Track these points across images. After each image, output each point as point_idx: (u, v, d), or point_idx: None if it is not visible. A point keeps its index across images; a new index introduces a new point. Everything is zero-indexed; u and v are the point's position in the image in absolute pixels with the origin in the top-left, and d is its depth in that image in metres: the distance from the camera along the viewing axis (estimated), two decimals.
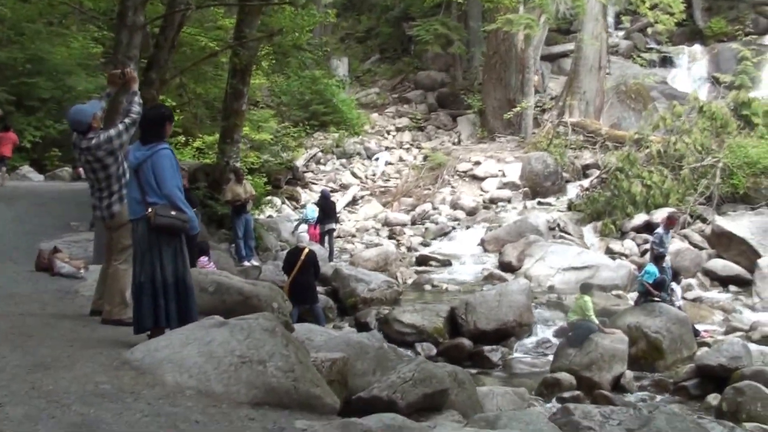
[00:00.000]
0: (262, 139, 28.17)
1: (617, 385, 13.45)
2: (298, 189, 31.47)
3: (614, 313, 15.87)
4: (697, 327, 15.80)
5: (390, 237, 26.27)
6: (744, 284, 19.88)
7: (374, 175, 34.01)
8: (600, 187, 25.27)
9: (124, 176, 8.20)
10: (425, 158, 34.07)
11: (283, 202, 29.49)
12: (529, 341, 15.64)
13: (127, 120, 8.14)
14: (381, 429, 5.43)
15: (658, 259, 16.21)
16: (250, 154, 26.10)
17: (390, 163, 34.87)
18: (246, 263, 18.06)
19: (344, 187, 32.28)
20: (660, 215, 22.21)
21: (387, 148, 36.37)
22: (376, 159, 35.21)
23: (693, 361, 14.11)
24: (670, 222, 17.67)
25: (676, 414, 6.68)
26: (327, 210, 22.40)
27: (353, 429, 5.36)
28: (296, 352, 6.27)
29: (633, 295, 17.38)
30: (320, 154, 35.72)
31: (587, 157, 29.66)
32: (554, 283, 19.66)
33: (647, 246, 21.31)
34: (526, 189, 28.01)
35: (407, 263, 23.04)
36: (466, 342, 14.97)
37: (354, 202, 31.06)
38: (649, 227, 22.47)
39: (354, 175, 33.92)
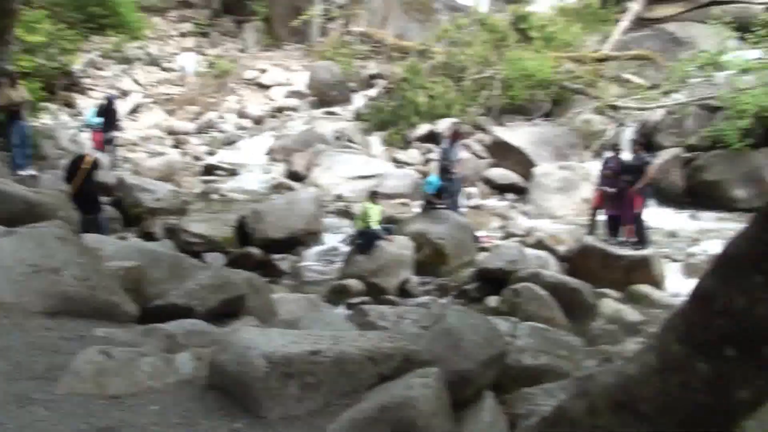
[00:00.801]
0: (35, 41, 26.16)
1: (403, 290, 13.82)
2: (75, 95, 29.66)
3: (401, 220, 16.18)
4: (477, 233, 16.43)
5: (175, 146, 25.37)
6: (520, 192, 20.85)
7: (183, 77, 32.45)
8: (386, 97, 25.48)
9: None
10: (210, 65, 33.01)
11: (59, 109, 27.71)
12: (318, 249, 15.71)
13: None
14: (183, 334, 5.32)
15: (443, 171, 16.60)
16: (23, 57, 24.19)
17: (197, 65, 33.33)
18: (21, 173, 16.83)
19: (125, 94, 30.77)
20: (443, 125, 22.77)
21: (189, 50, 34.85)
22: (181, 66, 33.60)
23: (474, 266, 14.70)
24: (456, 136, 18.07)
25: (466, 310, 6.94)
26: (111, 117, 21.27)
27: (156, 334, 5.20)
28: (91, 260, 5.94)
29: (418, 203, 17.79)
30: (99, 58, 33.75)
31: (373, 67, 29.77)
32: (342, 192, 19.75)
33: (431, 155, 21.87)
34: (312, 98, 27.82)
35: (193, 173, 22.39)
36: (256, 251, 14.81)
37: (136, 109, 29.71)
38: (432, 137, 23.00)
39: (136, 81, 32.37)
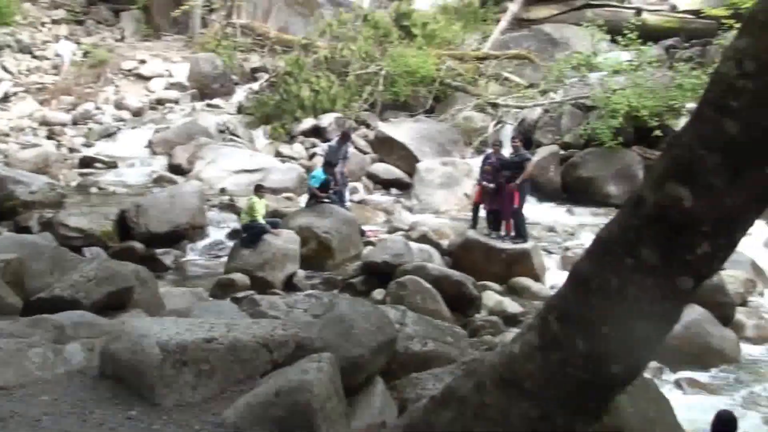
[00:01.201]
0: None
1: (289, 284, 13.90)
2: None
3: (286, 214, 16.22)
4: (363, 227, 16.64)
5: (49, 137, 24.55)
6: (404, 187, 21.15)
7: (60, 66, 31.24)
8: (269, 91, 25.38)
9: None
10: (85, 54, 32.06)
11: None
12: (203, 243, 15.62)
13: None
14: (71, 325, 5.28)
15: (327, 165, 16.68)
16: None
17: (74, 54, 32.18)
18: None
19: None
20: (327, 120, 22.91)
21: (66, 37, 33.66)
22: (58, 55, 32.39)
23: (360, 259, 14.90)
24: (345, 136, 18.33)
25: (356, 299, 7.11)
26: None
27: (44, 325, 5.16)
28: None
29: (304, 198, 17.85)
30: None
31: (255, 60, 29.54)
32: (226, 186, 19.58)
33: (315, 150, 21.98)
34: (194, 90, 27.39)
35: (70, 165, 21.78)
36: (138, 245, 14.62)
37: (6, 99, 28.59)
38: (317, 131, 23.08)
39: (5, 69, 31.14)
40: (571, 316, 4.04)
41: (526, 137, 17.90)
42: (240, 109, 25.43)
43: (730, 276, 13.75)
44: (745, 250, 15.76)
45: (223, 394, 5.17)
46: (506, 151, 16.98)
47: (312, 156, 21.97)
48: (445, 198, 20.19)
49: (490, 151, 17.19)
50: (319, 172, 16.40)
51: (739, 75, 3.68)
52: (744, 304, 13.85)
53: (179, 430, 4.78)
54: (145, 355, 5.05)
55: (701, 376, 11.61)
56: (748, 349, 12.67)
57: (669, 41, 27.19)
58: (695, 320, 12.06)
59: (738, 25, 16.87)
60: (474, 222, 16.37)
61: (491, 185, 15.72)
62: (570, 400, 4.01)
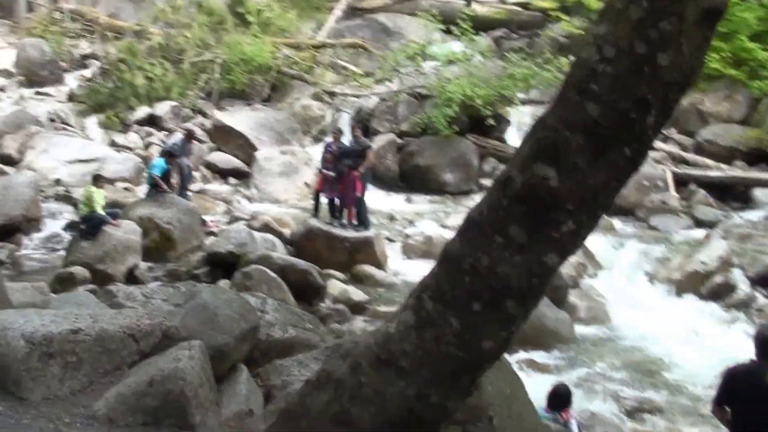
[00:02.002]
0: None
1: (131, 277, 13.57)
2: None
3: (126, 205, 15.81)
4: (204, 217, 16.44)
5: None
6: (243, 176, 21.01)
7: None
8: (102, 79, 24.57)
9: None
10: None
11: None
12: (39, 236, 15.02)
13: None
14: None
15: (168, 155, 16.33)
16: None
17: None
18: None
19: None
20: (163, 108, 22.47)
21: None
22: None
23: (202, 250, 14.73)
24: (189, 136, 18.17)
25: (218, 287, 7.08)
26: None
27: None
28: None
29: (142, 188, 17.45)
30: None
31: (85, 46, 28.50)
32: (61, 176, 18.82)
33: (151, 139, 21.51)
34: (21, 77, 26.13)
35: None
36: None
37: None
38: (152, 120, 22.58)
39: None
40: (444, 295, 4.21)
41: (364, 125, 18.08)
42: (71, 97, 24.45)
43: None
44: None
45: (91, 386, 5.07)
46: (346, 139, 17.17)
47: (148, 145, 21.46)
48: (285, 187, 20.23)
49: (330, 139, 17.33)
50: (159, 161, 16.06)
51: (599, 60, 3.95)
52: (576, 286, 14.48)
53: (50, 425, 4.66)
54: (10, 349, 4.89)
55: (539, 357, 12.02)
56: (581, 330, 13.27)
57: (498, 32, 28.22)
58: None
59: (565, 18, 17.85)
60: (315, 210, 16.48)
61: (332, 173, 15.85)
62: (444, 377, 4.19)
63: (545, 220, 4.08)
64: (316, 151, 21.68)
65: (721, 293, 14.47)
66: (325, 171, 16.04)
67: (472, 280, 4.14)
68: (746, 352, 5.35)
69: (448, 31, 24.52)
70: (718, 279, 14.61)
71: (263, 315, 7.26)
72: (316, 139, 22.39)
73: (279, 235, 15.85)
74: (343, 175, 15.71)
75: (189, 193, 17.02)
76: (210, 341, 5.62)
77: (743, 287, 14.59)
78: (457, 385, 4.23)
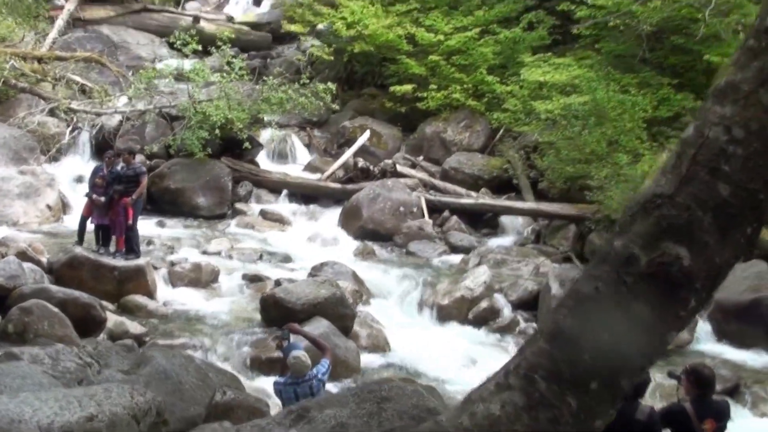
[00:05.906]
0: None
1: None
2: None
3: None
4: None
5: None
6: None
7: None
8: None
9: None
10: None
11: None
12: None
13: None
14: None
15: None
16: None
17: None
18: None
19: None
20: None
21: None
22: None
23: None
24: None
25: (163, 348, 6.29)
26: None
27: None
28: None
29: None
30: None
31: None
32: None
33: None
34: None
35: None
36: None
37: None
38: None
39: None
40: (561, 374, 4.16)
41: (130, 150, 17.08)
42: None
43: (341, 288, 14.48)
44: (343, 261, 16.97)
45: None
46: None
47: None
48: (25, 209, 18.76)
49: (99, 163, 16.34)
50: None
51: (728, 140, 4.09)
52: (355, 315, 14.62)
53: None
54: None
55: (331, 388, 12.03)
56: (365, 358, 13.41)
57: (231, 51, 27.94)
58: (324, 333, 12.37)
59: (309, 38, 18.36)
60: (80, 237, 15.46)
61: (102, 199, 14.99)
62: None
63: (675, 298, 4.16)
64: (58, 172, 20.43)
65: (487, 318, 15.27)
66: (95, 196, 15.10)
67: (591, 358, 4.13)
68: None
69: (174, 47, 23.95)
70: (483, 304, 15.44)
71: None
72: (54, 159, 21.01)
73: (38, 263, 14.65)
74: (113, 201, 14.92)
75: None
76: (183, 414, 5.08)
77: (506, 311, 15.55)
78: None
